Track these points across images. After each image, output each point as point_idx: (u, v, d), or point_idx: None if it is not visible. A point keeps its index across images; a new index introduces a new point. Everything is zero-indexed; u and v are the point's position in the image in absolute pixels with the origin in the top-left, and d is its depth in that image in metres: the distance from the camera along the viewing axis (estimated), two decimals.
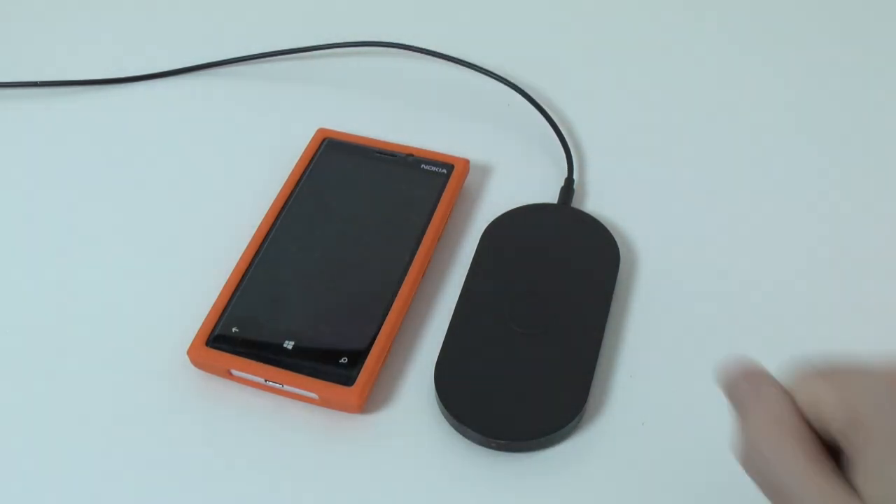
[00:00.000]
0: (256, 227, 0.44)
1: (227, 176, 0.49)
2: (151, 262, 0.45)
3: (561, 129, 0.49)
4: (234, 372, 0.39)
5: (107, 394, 0.40)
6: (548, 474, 0.37)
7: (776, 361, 0.28)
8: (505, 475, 0.37)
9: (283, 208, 0.45)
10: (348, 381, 0.38)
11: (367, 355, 0.39)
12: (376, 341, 0.39)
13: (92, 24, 0.58)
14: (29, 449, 0.39)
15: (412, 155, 0.47)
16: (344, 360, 0.39)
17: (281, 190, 0.46)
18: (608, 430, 0.38)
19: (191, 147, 0.50)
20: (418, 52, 0.53)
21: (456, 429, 0.38)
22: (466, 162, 0.46)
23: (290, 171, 0.46)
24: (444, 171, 0.46)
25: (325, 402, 0.39)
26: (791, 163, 0.48)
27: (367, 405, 0.39)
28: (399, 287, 0.41)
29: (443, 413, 0.39)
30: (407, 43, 0.53)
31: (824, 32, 0.55)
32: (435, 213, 0.44)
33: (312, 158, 0.47)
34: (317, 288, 0.42)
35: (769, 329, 0.41)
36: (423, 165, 0.46)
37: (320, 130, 0.48)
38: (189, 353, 0.40)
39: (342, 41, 0.54)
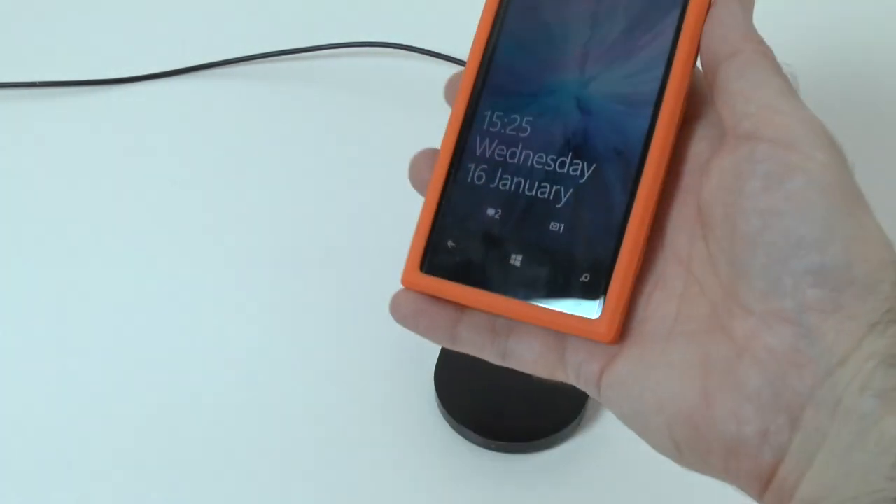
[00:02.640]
0: None
1: (228, 176, 0.49)
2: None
3: None
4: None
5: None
6: (548, 476, 0.37)
7: None
8: (505, 476, 0.37)
9: (486, 45, 0.33)
10: (591, 309, 0.28)
11: (612, 267, 0.28)
12: (624, 245, 0.29)
13: (92, 24, 0.58)
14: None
15: None
16: (586, 277, 0.29)
17: (481, 19, 0.34)
18: (608, 432, 0.38)
19: (191, 147, 0.50)
20: (418, 52, 0.53)
21: (456, 430, 0.38)
22: None
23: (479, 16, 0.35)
24: None
25: (565, 333, 0.30)
26: None
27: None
28: (647, 149, 0.29)
29: (443, 415, 0.38)
30: (407, 43, 0.53)
31: None
32: (679, 43, 0.30)
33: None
34: (542, 170, 0.31)
35: None
36: None
37: None
38: (406, 283, 0.32)
39: (342, 41, 0.54)
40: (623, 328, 0.28)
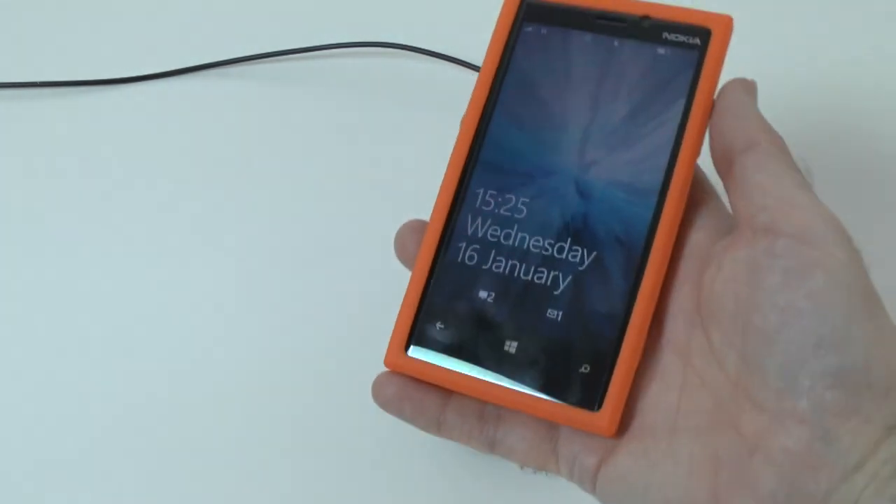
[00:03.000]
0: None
1: (228, 176, 0.49)
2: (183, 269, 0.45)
3: None
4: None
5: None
6: (547, 475, 0.37)
7: None
8: (504, 478, 0.37)
9: (483, 112, 0.32)
10: (591, 401, 0.27)
11: (615, 359, 0.28)
12: (627, 334, 0.28)
13: (92, 23, 0.58)
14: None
15: (648, 17, 0.31)
16: (585, 367, 0.28)
17: (478, 80, 0.33)
18: None
19: (191, 147, 0.50)
20: (418, 52, 0.53)
21: None
22: (728, 24, 0.30)
23: (484, 59, 0.34)
24: (697, 40, 0.30)
25: (558, 423, 0.29)
26: None
27: None
28: (651, 239, 0.28)
29: None
30: (407, 43, 0.53)
31: None
32: (689, 121, 0.29)
33: (511, 34, 0.33)
34: (539, 255, 0.29)
35: None
36: (666, 34, 0.31)
37: None
38: (388, 363, 0.31)
39: (342, 41, 0.54)
40: (621, 421, 0.27)
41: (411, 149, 0.49)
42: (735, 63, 0.31)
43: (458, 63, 0.52)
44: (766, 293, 0.25)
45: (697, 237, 0.29)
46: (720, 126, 0.29)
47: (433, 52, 0.52)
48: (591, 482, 0.28)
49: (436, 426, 0.30)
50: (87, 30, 0.57)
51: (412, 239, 0.32)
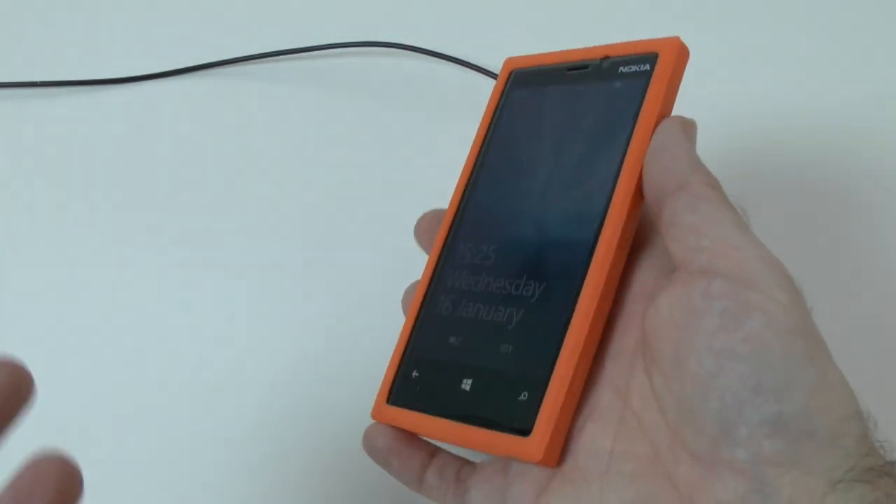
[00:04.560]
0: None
1: (228, 176, 0.49)
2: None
3: None
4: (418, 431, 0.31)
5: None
6: None
7: None
8: None
9: (470, 176, 0.34)
10: (525, 427, 0.27)
11: (546, 384, 0.27)
12: (559, 362, 0.28)
13: (92, 23, 0.58)
14: None
15: (608, 57, 0.32)
16: (524, 395, 0.28)
17: (472, 147, 0.35)
18: None
19: (191, 147, 0.50)
20: (418, 52, 0.53)
21: None
22: (676, 45, 0.30)
23: (480, 123, 0.36)
24: (646, 66, 0.31)
25: (511, 458, 0.29)
26: None
27: None
28: (585, 277, 0.28)
29: None
30: (407, 43, 0.53)
31: None
32: (630, 146, 0.29)
33: (500, 102, 0.35)
34: (500, 295, 0.30)
35: None
36: (621, 68, 0.31)
37: (508, 60, 0.36)
38: (374, 415, 0.32)
39: (342, 41, 0.54)
40: (558, 452, 0.27)
41: (411, 148, 0.49)
42: (686, 102, 0.31)
43: (459, 63, 0.52)
44: (702, 337, 0.24)
45: (645, 276, 0.29)
46: (652, 165, 0.28)
47: (433, 52, 0.52)
48: None
49: (418, 484, 0.30)
50: (87, 30, 0.57)
51: (429, 228, 0.34)
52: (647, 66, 0.30)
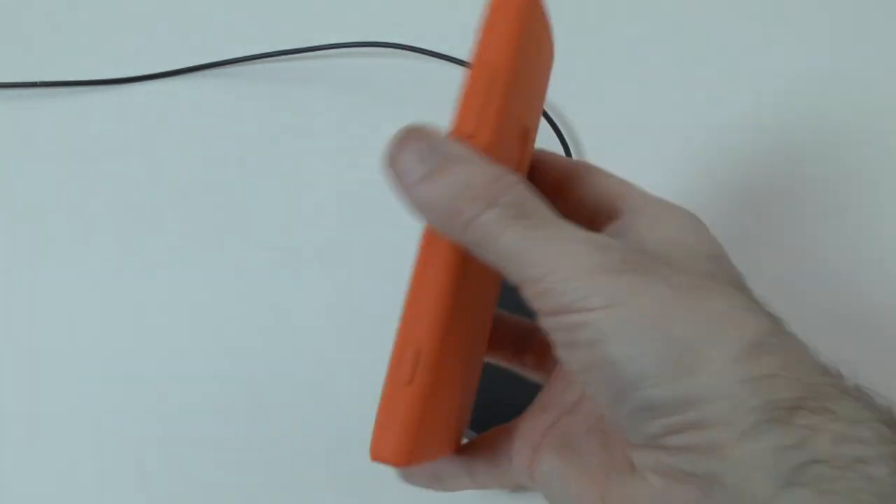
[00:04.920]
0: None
1: (228, 176, 0.49)
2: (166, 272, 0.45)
3: (562, 130, 0.49)
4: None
5: None
6: None
7: None
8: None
9: None
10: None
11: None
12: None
13: (92, 23, 0.58)
14: None
15: None
16: None
17: None
18: None
19: (191, 147, 0.50)
20: (418, 52, 0.53)
21: None
22: None
23: None
24: None
25: None
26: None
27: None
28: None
29: None
30: (407, 43, 0.53)
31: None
32: None
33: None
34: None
35: None
36: None
37: None
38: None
39: (342, 41, 0.54)
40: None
41: None
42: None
43: (458, 63, 0.52)
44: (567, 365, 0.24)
45: None
46: None
47: (433, 52, 0.52)
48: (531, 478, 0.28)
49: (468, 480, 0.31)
50: (88, 30, 0.57)
51: None
52: None
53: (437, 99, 0.53)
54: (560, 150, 0.48)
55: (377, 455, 0.26)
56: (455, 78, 0.52)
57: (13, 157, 0.50)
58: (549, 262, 0.23)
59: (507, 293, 0.28)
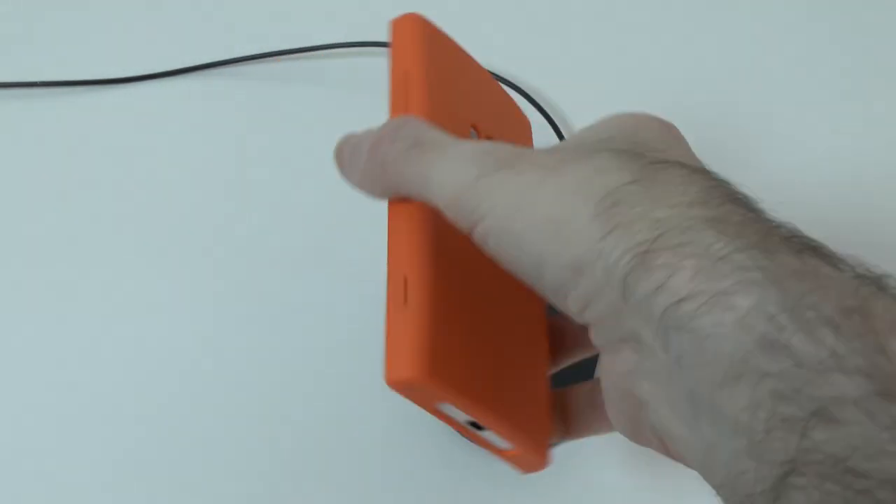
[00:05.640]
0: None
1: (228, 176, 0.49)
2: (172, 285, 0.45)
3: (560, 128, 0.49)
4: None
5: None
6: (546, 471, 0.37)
7: None
8: (504, 472, 0.37)
9: None
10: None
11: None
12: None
13: (92, 23, 0.58)
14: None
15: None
16: None
17: None
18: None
19: (191, 147, 0.50)
20: None
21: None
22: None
23: None
24: None
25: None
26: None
27: None
28: None
29: None
30: None
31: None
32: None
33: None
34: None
35: None
36: None
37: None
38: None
39: (342, 41, 0.54)
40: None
41: None
42: None
43: None
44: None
45: None
46: None
47: None
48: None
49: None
50: (87, 30, 0.57)
51: None
52: None
53: None
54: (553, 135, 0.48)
55: (391, 377, 0.26)
56: None
57: (13, 157, 0.50)
58: (445, 184, 0.24)
59: None
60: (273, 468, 0.40)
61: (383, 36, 0.54)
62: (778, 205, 0.23)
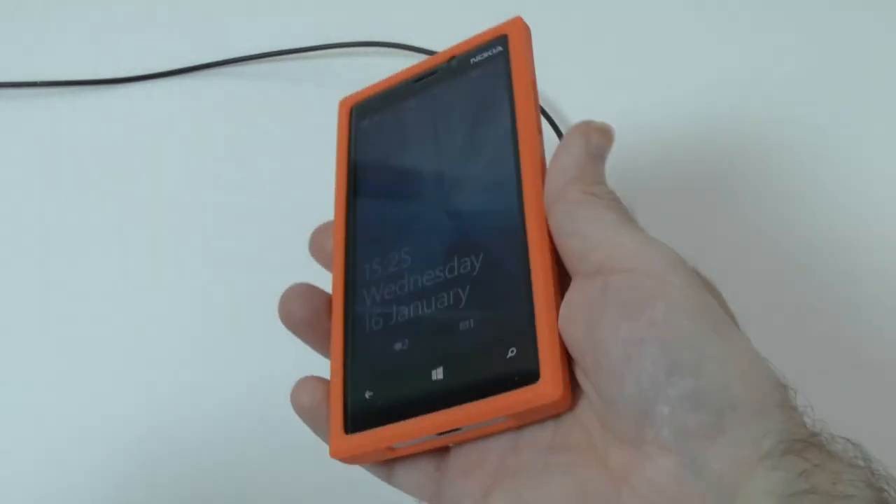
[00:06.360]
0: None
1: (228, 176, 0.49)
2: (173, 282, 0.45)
3: (561, 129, 0.49)
4: (396, 446, 0.29)
5: None
6: None
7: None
8: None
9: (347, 207, 0.35)
10: (531, 375, 0.27)
11: (534, 327, 0.27)
12: (535, 305, 0.28)
13: (92, 23, 0.58)
14: None
15: (454, 56, 0.35)
16: (512, 351, 0.28)
17: (336, 185, 0.36)
18: None
19: (191, 147, 0.50)
20: (418, 52, 0.53)
21: None
22: (520, 23, 0.34)
23: (334, 162, 0.36)
24: (499, 48, 0.33)
25: (519, 419, 0.28)
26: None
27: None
28: (524, 227, 0.29)
29: None
30: (407, 43, 0.53)
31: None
32: (517, 109, 0.31)
33: (350, 136, 0.36)
34: (435, 285, 0.30)
35: None
36: (473, 59, 0.34)
37: (343, 102, 0.38)
38: (334, 453, 0.30)
39: (342, 41, 0.54)
40: (568, 388, 0.27)
41: None
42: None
43: None
44: (608, 330, 0.24)
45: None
46: (546, 175, 0.29)
47: (433, 53, 0.52)
48: None
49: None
50: (87, 30, 0.57)
51: (298, 304, 0.33)
52: (500, 48, 0.33)
53: None
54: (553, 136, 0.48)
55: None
56: None
57: (13, 157, 0.51)
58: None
59: None
60: (274, 468, 0.40)
61: (383, 36, 0.54)
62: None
